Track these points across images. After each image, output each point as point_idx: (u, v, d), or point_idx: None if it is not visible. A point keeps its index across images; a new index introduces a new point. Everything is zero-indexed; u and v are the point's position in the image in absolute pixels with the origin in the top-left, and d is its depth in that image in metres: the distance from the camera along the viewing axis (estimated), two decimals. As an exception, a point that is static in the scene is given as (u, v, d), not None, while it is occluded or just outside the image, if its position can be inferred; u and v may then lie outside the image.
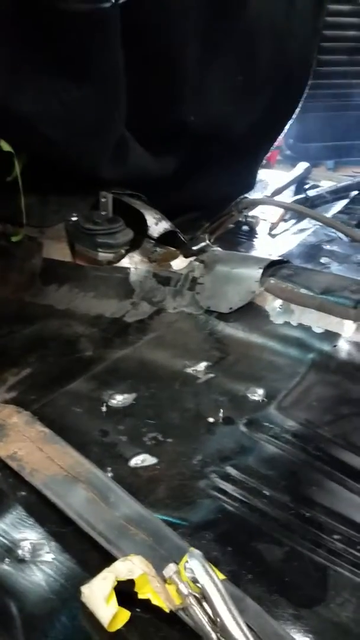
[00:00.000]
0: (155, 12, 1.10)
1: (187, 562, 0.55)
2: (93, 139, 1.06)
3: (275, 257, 1.12)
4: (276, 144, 1.64)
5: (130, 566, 0.56)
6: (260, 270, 1.05)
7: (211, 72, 1.32)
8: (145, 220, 1.21)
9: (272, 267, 1.08)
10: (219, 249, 1.22)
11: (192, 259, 1.18)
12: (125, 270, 1.19)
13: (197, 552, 0.55)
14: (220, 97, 1.38)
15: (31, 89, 0.94)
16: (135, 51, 1.06)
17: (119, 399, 0.88)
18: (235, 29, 1.29)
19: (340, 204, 1.66)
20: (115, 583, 0.56)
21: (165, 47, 1.17)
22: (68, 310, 1.18)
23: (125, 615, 0.56)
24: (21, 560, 0.62)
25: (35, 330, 1.13)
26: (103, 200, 1.16)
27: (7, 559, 0.61)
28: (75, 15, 0.83)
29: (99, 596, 0.56)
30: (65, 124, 1.01)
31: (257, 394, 0.88)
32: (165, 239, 1.22)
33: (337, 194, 1.67)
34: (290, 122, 1.55)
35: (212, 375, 0.94)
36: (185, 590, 0.54)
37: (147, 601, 0.56)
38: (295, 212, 1.52)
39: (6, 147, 1.04)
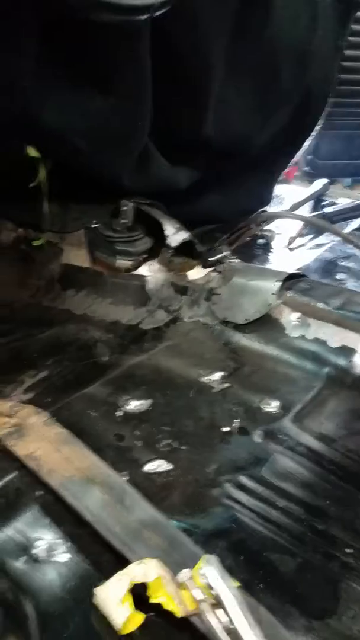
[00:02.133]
0: (182, 25, 1.12)
1: (202, 567, 0.55)
2: (117, 149, 1.08)
3: (292, 271, 1.13)
4: (294, 160, 1.65)
5: (145, 569, 0.56)
6: (278, 283, 1.06)
7: (232, 87, 1.34)
8: (164, 230, 1.22)
9: (290, 281, 1.09)
10: (237, 260, 1.23)
11: (209, 269, 1.20)
12: (143, 278, 1.21)
13: (213, 558, 0.56)
14: (241, 112, 1.40)
15: (56, 99, 0.96)
16: (160, 64, 1.09)
17: (134, 405, 0.89)
18: (257, 47, 1.31)
19: (357, 222, 1.67)
20: (131, 586, 0.56)
21: (189, 61, 1.20)
22: (85, 315, 1.19)
23: (138, 618, 0.56)
24: (36, 560, 0.62)
25: (52, 334, 1.14)
26: (124, 208, 1.18)
27: (22, 558, 0.62)
28: (107, 27, 0.84)
29: (113, 598, 0.56)
30: (89, 134, 1.02)
31: (272, 405, 0.89)
32: (183, 249, 1.24)
33: (354, 211, 1.68)
34: (309, 139, 1.57)
35: (227, 385, 0.95)
36: (199, 596, 0.55)
37: (159, 605, 0.56)
38: (315, 227, 1.53)
39: (33, 153, 1.06)
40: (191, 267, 1.22)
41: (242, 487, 0.74)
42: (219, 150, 1.36)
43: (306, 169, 1.96)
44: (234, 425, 0.85)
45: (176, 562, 0.59)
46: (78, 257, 1.26)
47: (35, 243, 1.23)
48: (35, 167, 1.16)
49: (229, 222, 1.48)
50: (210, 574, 0.54)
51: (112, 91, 0.98)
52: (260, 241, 1.54)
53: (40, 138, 1.02)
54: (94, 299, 1.22)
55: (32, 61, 0.89)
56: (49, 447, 0.74)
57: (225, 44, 1.24)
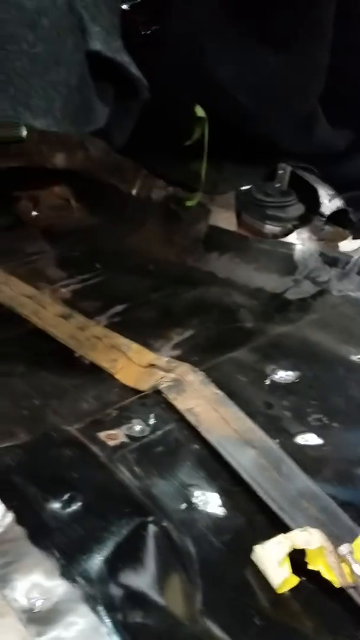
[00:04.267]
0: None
1: (366, 546, 0.56)
2: (285, 109, 1.05)
3: None
4: None
5: (308, 537, 0.58)
6: None
7: None
8: (317, 196, 1.18)
9: None
10: None
11: (363, 241, 1.14)
12: (291, 246, 1.19)
13: (380, 539, 0.56)
14: None
15: (232, 55, 0.95)
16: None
17: (281, 375, 0.90)
18: None
19: None
20: (291, 549, 0.59)
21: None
22: (228, 279, 1.21)
23: (294, 580, 0.58)
24: (195, 508, 0.67)
25: (197, 294, 1.18)
26: (280, 172, 1.15)
27: (183, 504, 0.67)
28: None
29: (272, 558, 0.59)
30: (260, 93, 1.01)
31: None
32: (336, 217, 1.19)
33: None
34: None
35: (379, 366, 0.92)
36: (358, 571, 0.55)
37: (315, 573, 0.58)
38: None
39: (200, 113, 1.06)
40: (343, 238, 1.18)
41: None
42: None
43: None
44: (387, 408, 0.83)
45: (333, 534, 0.60)
46: (225, 219, 1.27)
47: (189, 203, 1.25)
48: (191, 125, 1.16)
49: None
50: (376, 554, 0.54)
51: (292, 49, 0.95)
52: None
53: (210, 94, 1.02)
54: (238, 264, 1.23)
55: (215, 14, 0.88)
56: (207, 406, 0.77)
57: None
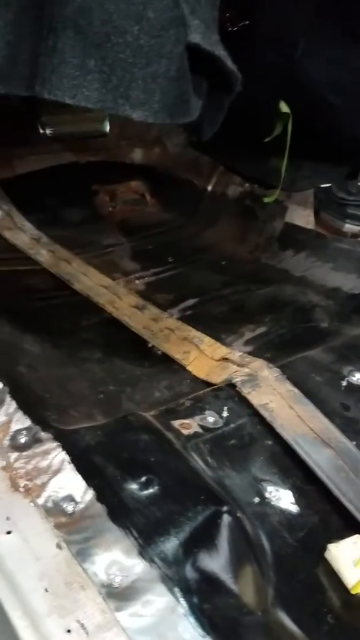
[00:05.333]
0: None
1: None
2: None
3: None
4: None
5: (385, 541, 0.57)
6: None
7: None
8: None
9: None
10: None
11: None
12: (371, 246, 1.15)
13: None
14: None
15: (325, 54, 0.94)
16: None
17: (359, 377, 0.87)
18: None
19: None
20: (367, 552, 0.57)
21: None
22: (304, 277, 1.19)
23: (368, 583, 0.57)
24: (268, 503, 0.66)
25: (270, 292, 1.17)
26: (364, 170, 1.12)
27: (256, 498, 0.67)
28: None
29: (347, 558, 0.58)
30: (349, 91, 0.98)
31: None
32: None
33: None
34: None
35: None
36: None
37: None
38: None
39: (284, 109, 1.05)
40: None
41: None
42: None
43: None
44: None
45: None
46: (302, 217, 1.25)
47: (267, 199, 1.24)
48: (273, 121, 1.15)
49: None
50: None
51: None
52: None
53: (298, 93, 1.01)
54: (313, 262, 1.21)
55: (307, 13, 0.87)
56: (282, 402, 0.77)
57: None
